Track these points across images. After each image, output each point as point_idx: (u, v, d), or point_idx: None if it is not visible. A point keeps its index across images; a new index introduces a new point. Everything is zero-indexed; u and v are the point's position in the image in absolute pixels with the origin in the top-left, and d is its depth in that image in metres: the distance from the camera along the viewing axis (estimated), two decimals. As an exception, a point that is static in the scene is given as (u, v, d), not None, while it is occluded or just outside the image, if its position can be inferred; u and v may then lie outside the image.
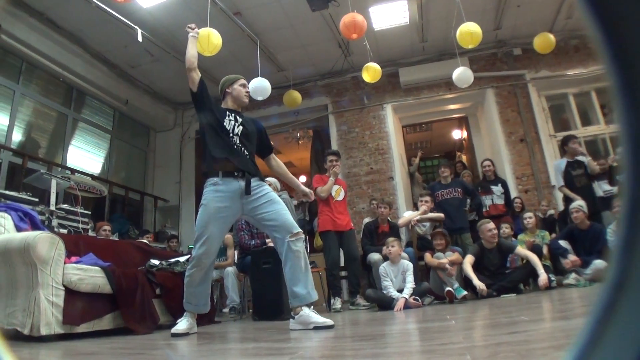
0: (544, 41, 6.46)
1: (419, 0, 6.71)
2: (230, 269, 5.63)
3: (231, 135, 3.28)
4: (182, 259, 4.43)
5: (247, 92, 3.50)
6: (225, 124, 3.29)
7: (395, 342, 2.07)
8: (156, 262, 4.24)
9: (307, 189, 3.68)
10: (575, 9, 6.90)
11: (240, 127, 3.34)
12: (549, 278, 4.81)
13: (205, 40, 4.86)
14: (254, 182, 3.21)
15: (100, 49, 7.43)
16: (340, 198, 5.51)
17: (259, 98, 6.82)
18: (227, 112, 3.38)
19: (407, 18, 7.23)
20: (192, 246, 7.68)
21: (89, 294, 3.27)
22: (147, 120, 9.40)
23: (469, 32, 5.62)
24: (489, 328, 2.15)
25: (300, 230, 3.16)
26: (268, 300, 4.53)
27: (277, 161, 3.61)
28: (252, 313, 4.85)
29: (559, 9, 7.26)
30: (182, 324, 3.17)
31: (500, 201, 6.59)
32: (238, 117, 3.39)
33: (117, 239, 6.29)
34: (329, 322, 2.94)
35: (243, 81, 3.52)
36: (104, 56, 7.60)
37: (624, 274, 0.44)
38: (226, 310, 5.70)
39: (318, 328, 2.90)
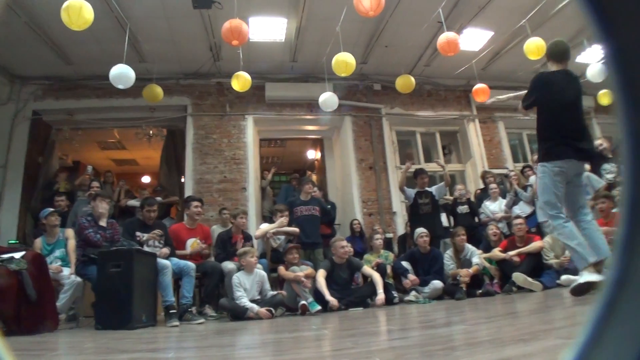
0: (405, 82, 7.18)
1: (298, 21, 6.92)
2: None
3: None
4: (17, 255, 3.79)
5: None
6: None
7: (289, 348, 2.06)
8: (-18, 258, 3.58)
9: None
10: (434, 58, 7.81)
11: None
12: (387, 297, 5.27)
13: (76, 13, 4.35)
14: None
15: None
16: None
17: (120, 86, 6.28)
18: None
19: (283, 36, 7.41)
20: (13, 241, 6.72)
21: None
22: (-27, 89, 7.90)
23: (345, 61, 5.98)
24: (370, 335, 2.27)
25: None
26: (115, 308, 4.13)
27: None
28: (95, 321, 4.33)
29: (421, 56, 8.19)
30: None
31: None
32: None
33: None
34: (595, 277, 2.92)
35: None
36: None
37: (624, 273, 0.47)
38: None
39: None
